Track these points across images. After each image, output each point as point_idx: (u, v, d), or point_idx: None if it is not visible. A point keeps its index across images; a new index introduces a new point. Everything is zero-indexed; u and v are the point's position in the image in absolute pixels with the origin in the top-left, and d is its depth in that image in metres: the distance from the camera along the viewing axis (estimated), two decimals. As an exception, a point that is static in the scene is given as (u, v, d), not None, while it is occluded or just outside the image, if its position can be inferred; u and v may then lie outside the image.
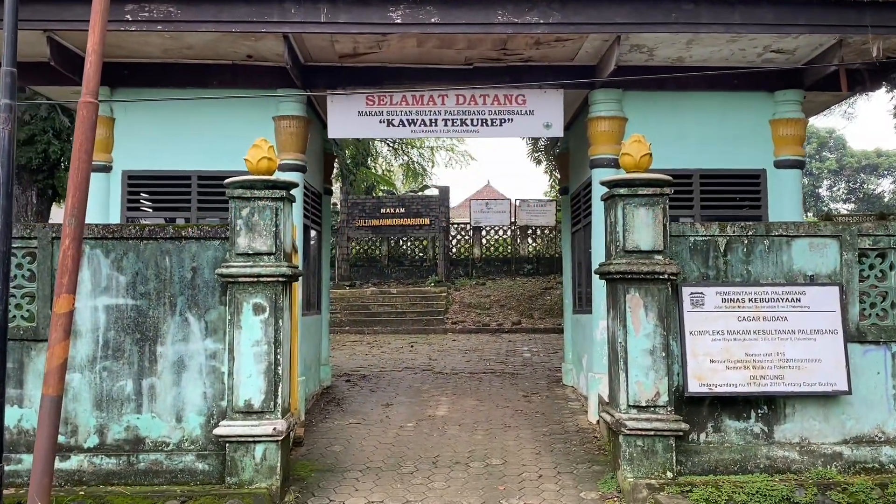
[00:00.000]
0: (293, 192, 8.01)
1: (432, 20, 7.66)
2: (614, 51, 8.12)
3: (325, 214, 11.08)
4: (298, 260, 8.20)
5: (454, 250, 25.57)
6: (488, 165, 68.66)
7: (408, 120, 8.89)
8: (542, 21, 7.71)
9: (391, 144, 36.64)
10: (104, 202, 8.76)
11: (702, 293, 6.64)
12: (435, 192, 26.61)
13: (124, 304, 6.53)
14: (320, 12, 7.63)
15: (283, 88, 8.82)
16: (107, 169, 8.81)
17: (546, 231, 25.60)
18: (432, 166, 36.76)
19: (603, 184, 6.78)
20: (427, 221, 24.19)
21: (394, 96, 8.89)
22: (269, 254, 6.39)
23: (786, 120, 8.96)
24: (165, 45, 8.30)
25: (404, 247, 26.15)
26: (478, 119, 8.93)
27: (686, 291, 6.64)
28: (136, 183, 8.91)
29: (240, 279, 6.33)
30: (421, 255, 25.74)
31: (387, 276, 24.75)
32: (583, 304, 10.26)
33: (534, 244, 25.73)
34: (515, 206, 25.34)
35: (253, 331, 6.34)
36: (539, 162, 22.56)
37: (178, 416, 6.50)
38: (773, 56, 8.63)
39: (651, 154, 6.68)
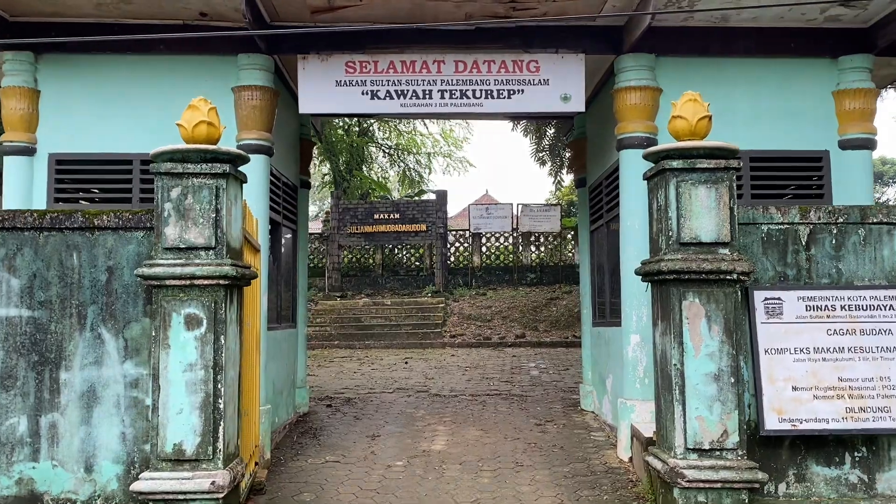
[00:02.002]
0: (251, 171, 6.45)
1: (425, -40, 6.11)
2: (649, 2, 6.57)
3: (302, 211, 9.48)
4: (259, 260, 6.61)
5: (452, 258, 23.98)
6: (487, 173, 67.10)
7: (397, 91, 7.32)
8: (561, -39, 6.16)
9: (387, 150, 35.23)
10: (26, 192, 7.17)
11: (779, 299, 5.06)
12: (432, 196, 25.05)
13: (17, 315, 4.94)
14: (285, -51, 6.08)
15: (246, 54, 7.26)
16: (29, 151, 7.22)
17: (550, 238, 24.03)
18: (429, 173, 35.32)
19: (647, 157, 5.21)
20: (423, 228, 22.61)
21: (379, 62, 7.32)
22: (206, 248, 4.80)
23: (853, 91, 7.39)
24: (98, -2, 6.74)
25: (399, 255, 24.56)
26: (481, 90, 7.36)
27: (759, 297, 5.06)
28: (65, 169, 7.32)
29: (168, 282, 4.74)
30: (417, 263, 24.14)
31: (380, 285, 23.14)
32: (605, 314, 8.66)
33: (537, 252, 24.15)
34: (517, 211, 23.78)
35: (185, 351, 4.74)
36: (543, 163, 21.03)
37: (89, 464, 4.90)
38: (840, 12, 7.09)
39: (711, 117, 5.12)
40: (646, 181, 5.38)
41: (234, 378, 5.04)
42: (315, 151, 31.04)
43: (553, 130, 19.10)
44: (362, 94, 7.30)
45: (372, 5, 6.88)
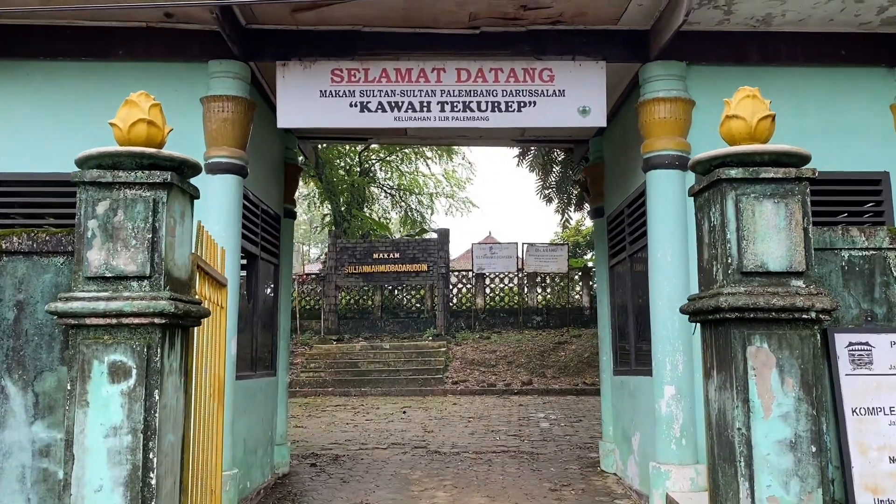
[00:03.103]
0: (220, 193, 5.51)
1: (422, -56, 5.20)
2: (683, 3, 5.65)
3: (286, 243, 8.46)
4: (225, 297, 5.56)
5: (455, 300, 22.88)
6: (490, 215, 66.25)
7: (390, 103, 6.37)
8: (581, -54, 5.25)
9: (389, 190, 34.42)
10: (-41, 217, 6.19)
11: (867, 344, 4.00)
12: (433, 235, 24.08)
13: None
14: (257, -69, 5.17)
15: (217, 60, 6.33)
16: (-38, 170, 6.26)
17: (557, 279, 22.96)
18: (432, 213, 34.46)
19: (695, 167, 4.20)
20: (425, 268, 21.58)
21: (371, 69, 6.37)
22: (139, 277, 3.76)
23: (914, 104, 6.44)
24: (46, -7, 5.84)
25: (399, 296, 23.47)
26: (487, 102, 6.40)
27: (841, 341, 4.01)
28: (5, 191, 6.34)
29: (88, 321, 3.69)
30: (418, 305, 23.04)
31: (379, 328, 22.01)
32: (630, 361, 7.57)
33: (543, 293, 23.06)
34: (522, 251, 22.77)
35: (108, 410, 3.66)
36: (550, 200, 20.06)
37: (-17, 557, 3.79)
38: (900, 13, 6.17)
39: (774, 117, 4.12)
40: (692, 197, 4.35)
41: (174, 444, 3.95)
42: (315, 189, 30.11)
43: (560, 167, 18.21)
44: (350, 105, 6.35)
45: (361, 1, 5.96)
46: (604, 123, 6.52)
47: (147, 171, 3.83)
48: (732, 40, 6.50)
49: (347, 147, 30.08)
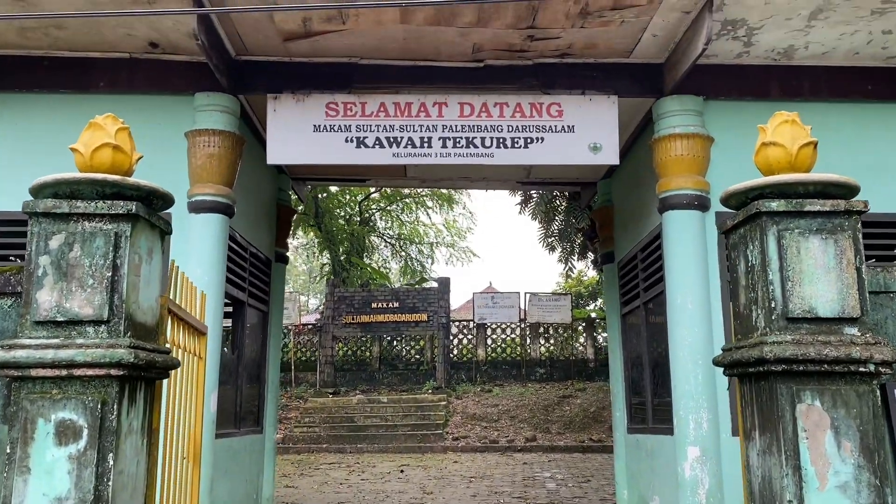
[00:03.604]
0: (203, 234, 5.08)
1: (423, -34, 4.85)
2: (701, 26, 5.29)
3: (277, 289, 7.97)
4: (204, 346, 5.05)
5: (455, 351, 22.24)
6: (491, 264, 65.69)
7: (389, 138, 5.96)
8: (593, -30, 4.89)
9: (388, 240, 34.08)
10: (-79, 259, 5.72)
11: (933, 402, 3.47)
12: (434, 284, 23.58)
13: None
14: (247, -48, 4.83)
15: (204, 93, 5.95)
16: (-72, 209, 5.82)
17: (560, 330, 22.37)
18: (432, 263, 34.09)
19: (728, 200, 3.73)
20: (424, 318, 21.01)
21: (368, 103, 5.98)
22: (96, 322, 3.27)
23: (947, 142, 6.03)
24: (22, 22, 5.47)
25: (398, 347, 22.83)
26: (492, 138, 6.00)
27: (903, 398, 3.48)
28: (-26, 231, 5.89)
29: (34, 372, 3.18)
30: (417, 356, 22.39)
31: (377, 381, 21.32)
32: (647, 418, 7.00)
33: (546, 345, 22.44)
34: (525, 301, 22.23)
35: (52, 478, 3.13)
36: (553, 248, 19.60)
37: None
38: (930, 45, 5.81)
39: (816, 144, 3.68)
40: (724, 235, 3.88)
41: (134, 518, 3.40)
42: (315, 239, 29.73)
43: (563, 215, 17.82)
44: (346, 141, 5.94)
45: (357, 31, 5.60)
46: (616, 161, 6.10)
47: (109, 202, 3.37)
48: (752, 74, 6.14)
49: (347, 196, 29.91)
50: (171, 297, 4.05)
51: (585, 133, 6.02)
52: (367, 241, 31.13)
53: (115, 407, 3.22)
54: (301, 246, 35.35)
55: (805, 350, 3.27)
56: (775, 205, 3.45)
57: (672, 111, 6.02)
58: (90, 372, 3.19)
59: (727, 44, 5.83)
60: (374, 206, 32.36)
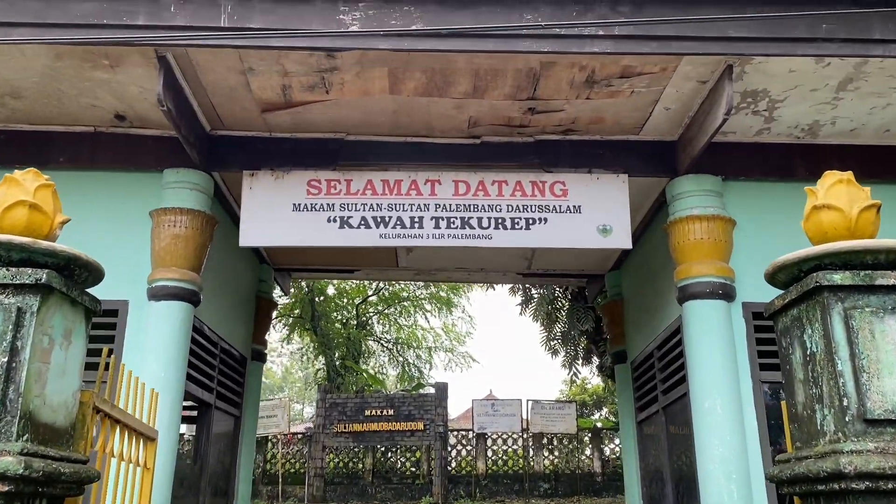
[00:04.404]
0: (162, 323, 4.47)
1: (413, 27, 4.40)
2: (720, 95, 4.81)
3: (252, 391, 7.17)
4: (151, 454, 4.26)
5: (454, 463, 20.95)
6: (491, 370, 64.04)
7: (375, 218, 5.37)
8: (601, 34, 4.45)
9: (386, 344, 33.20)
10: None
11: None
12: (431, 390, 22.56)
13: None
14: (219, 11, 4.39)
15: (174, 170, 5.42)
16: None
17: (565, 440, 21.17)
18: (430, 369, 33.08)
19: (775, 274, 3.06)
20: (421, 426, 19.87)
21: (353, 180, 5.44)
22: (-23, 422, 2.55)
23: None
24: (-23, 91, 5.01)
25: (393, 458, 21.54)
26: (489, 218, 5.41)
27: None
28: None
29: None
30: (413, 469, 21.08)
31: (370, 495, 19.94)
32: (670, 543, 6.06)
33: (550, 457, 21.17)
34: (527, 409, 21.13)
35: None
36: (556, 352, 18.76)
37: None
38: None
39: (879, 207, 3.07)
40: (771, 318, 3.19)
41: None
42: (311, 343, 28.91)
43: (566, 315, 17.13)
44: (329, 221, 5.35)
45: (343, 102, 5.12)
46: (629, 245, 5.49)
47: (14, 269, 2.72)
48: (774, 152, 5.63)
49: (345, 300, 29.32)
50: (105, 392, 3.35)
51: (593, 214, 5.44)
52: (363, 346, 30.31)
53: (-7, 538, 2.45)
54: (297, 350, 34.45)
55: (891, 462, 2.53)
56: (839, 277, 2.79)
57: (689, 191, 5.47)
58: (-39, 490, 2.44)
59: (747, 119, 5.35)
60: (371, 310, 31.73)
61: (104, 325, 5.01)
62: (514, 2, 4.44)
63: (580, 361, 18.80)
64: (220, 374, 6.23)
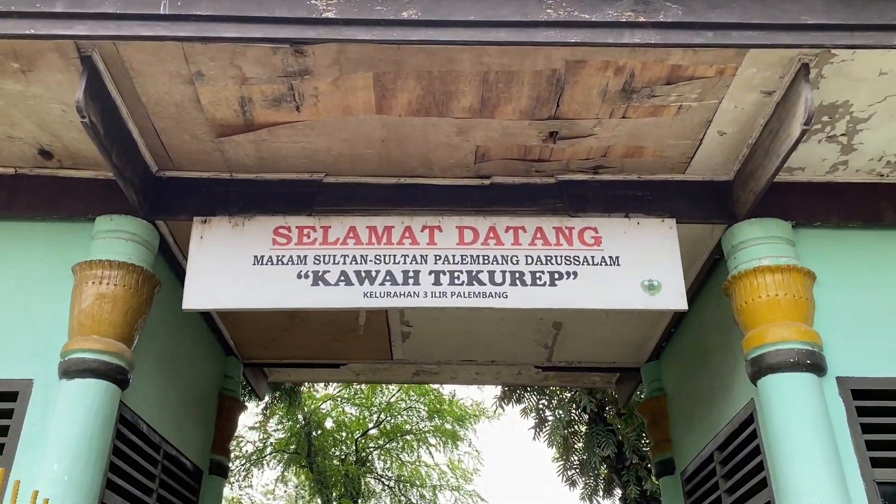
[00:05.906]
0: (67, 410, 3.42)
1: (403, 14, 3.46)
2: (795, 106, 3.80)
3: (208, 514, 5.70)
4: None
5: None
6: (502, 511, 59.38)
7: (358, 273, 4.21)
8: (641, 20, 3.49)
9: (387, 482, 30.91)
10: None
11: None
12: (435, 532, 20.35)
13: None
14: (160, -3, 3.46)
15: (107, 216, 4.33)
16: None
17: (586, 588, 18.72)
18: (435, 510, 30.61)
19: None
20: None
21: (332, 227, 4.32)
22: None
23: None
24: None
25: None
26: (503, 272, 4.25)
27: None
28: None
29: None
30: None
31: None
32: None
33: None
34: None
35: None
36: (574, 483, 16.86)
37: None
38: None
39: None
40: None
41: None
42: (304, 478, 26.97)
43: (584, 441, 15.47)
44: (299, 276, 4.19)
45: (318, 125, 4.10)
46: (684, 305, 4.28)
47: None
48: (852, 192, 4.55)
49: (344, 434, 27.46)
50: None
51: (635, 267, 4.29)
52: (363, 484, 28.14)
53: None
54: (296, 491, 32.12)
55: None
56: None
57: (755, 238, 4.33)
58: None
59: (819, 149, 4.31)
60: (371, 444, 29.81)
61: (-4, 414, 3.80)
62: (531, -16, 3.52)
63: (601, 494, 16.87)
64: (163, 488, 4.85)
